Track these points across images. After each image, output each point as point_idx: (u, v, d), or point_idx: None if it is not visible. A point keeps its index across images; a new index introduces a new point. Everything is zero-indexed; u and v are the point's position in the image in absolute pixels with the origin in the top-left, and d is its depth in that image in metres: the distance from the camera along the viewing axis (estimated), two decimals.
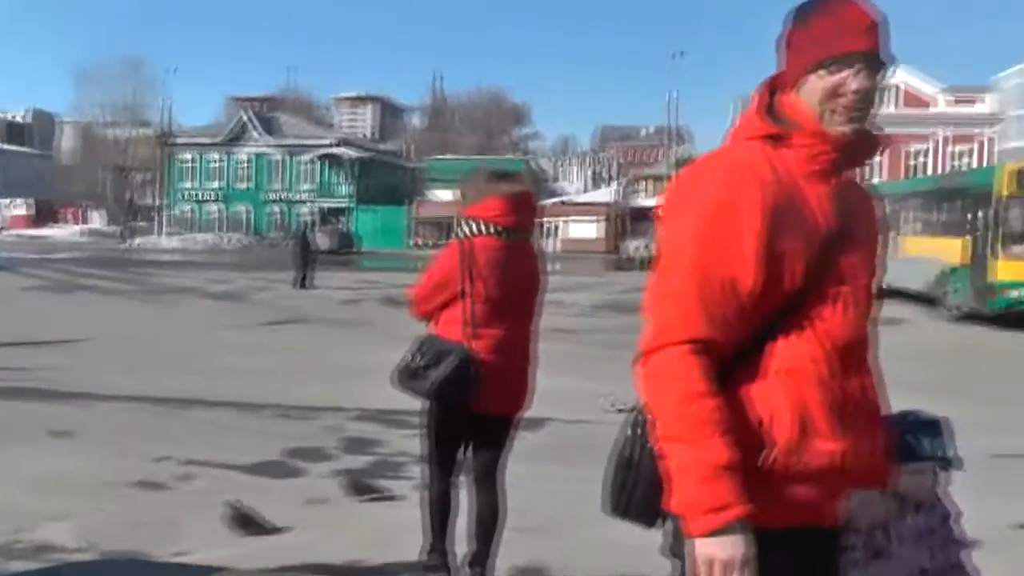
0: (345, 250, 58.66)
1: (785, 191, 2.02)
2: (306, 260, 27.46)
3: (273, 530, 5.74)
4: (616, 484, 2.18)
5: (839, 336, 2.05)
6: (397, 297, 24.63)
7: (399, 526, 4.65)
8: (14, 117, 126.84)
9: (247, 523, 6.04)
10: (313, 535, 5.66)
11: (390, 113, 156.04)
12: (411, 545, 4.68)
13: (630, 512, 2.17)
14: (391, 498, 6.43)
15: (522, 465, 6.77)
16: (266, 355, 13.90)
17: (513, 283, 4.38)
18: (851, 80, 2.03)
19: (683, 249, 2.02)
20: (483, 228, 4.33)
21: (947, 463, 2.83)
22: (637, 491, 2.13)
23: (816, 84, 2.05)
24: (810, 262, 2.02)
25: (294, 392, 10.46)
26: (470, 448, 4.53)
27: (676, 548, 2.07)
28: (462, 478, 4.65)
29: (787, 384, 1.99)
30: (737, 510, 1.89)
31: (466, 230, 4.35)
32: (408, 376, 4.29)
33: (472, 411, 4.27)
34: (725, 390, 1.97)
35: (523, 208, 4.46)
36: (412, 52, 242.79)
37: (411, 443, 7.19)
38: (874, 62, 2.05)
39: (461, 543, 4.64)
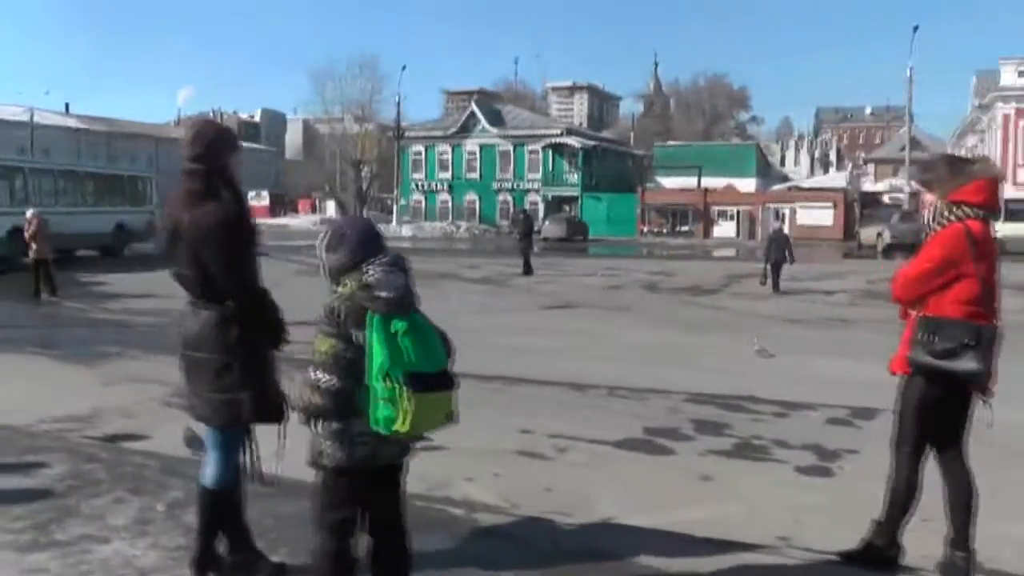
0: (576, 238, 58.79)
1: None
2: (530, 247, 28.21)
3: None
4: None
5: None
6: (653, 283, 24.76)
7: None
8: (250, 117, 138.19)
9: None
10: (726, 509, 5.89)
11: (601, 102, 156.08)
12: None
13: None
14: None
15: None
16: (560, 336, 14.33)
17: (994, 266, 4.43)
18: None
19: None
20: (974, 212, 4.37)
21: None
22: None
23: None
24: None
25: (613, 373, 10.66)
26: None
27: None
28: None
29: None
30: None
31: (959, 214, 4.37)
32: (940, 356, 4.30)
33: None
34: None
35: (998, 191, 4.49)
36: (623, 42, 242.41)
37: (757, 427, 7.72)
38: None
39: None
